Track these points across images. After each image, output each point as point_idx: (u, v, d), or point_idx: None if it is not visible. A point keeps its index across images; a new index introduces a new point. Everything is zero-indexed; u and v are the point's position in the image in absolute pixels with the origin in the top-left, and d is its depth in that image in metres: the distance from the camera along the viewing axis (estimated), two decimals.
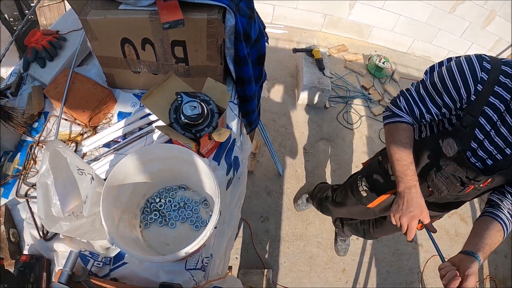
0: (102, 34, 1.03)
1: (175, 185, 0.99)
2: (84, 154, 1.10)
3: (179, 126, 0.92)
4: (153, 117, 1.14)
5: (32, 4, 3.30)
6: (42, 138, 1.14)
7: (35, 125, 1.19)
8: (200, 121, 0.92)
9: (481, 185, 1.11)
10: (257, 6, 1.27)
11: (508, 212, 1.09)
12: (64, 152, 0.67)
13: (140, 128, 1.14)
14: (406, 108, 1.15)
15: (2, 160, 1.13)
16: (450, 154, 1.10)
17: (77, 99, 1.15)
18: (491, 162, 1.05)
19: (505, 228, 1.07)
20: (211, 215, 0.75)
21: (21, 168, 1.10)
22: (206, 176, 0.81)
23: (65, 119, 1.17)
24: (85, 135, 1.14)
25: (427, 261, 2.38)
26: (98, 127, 1.16)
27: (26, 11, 3.43)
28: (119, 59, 1.11)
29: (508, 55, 3.48)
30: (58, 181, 0.70)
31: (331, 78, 2.91)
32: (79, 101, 1.15)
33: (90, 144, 1.08)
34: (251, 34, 1.12)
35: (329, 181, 2.54)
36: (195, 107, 0.91)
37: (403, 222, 1.09)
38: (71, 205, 0.71)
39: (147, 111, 1.15)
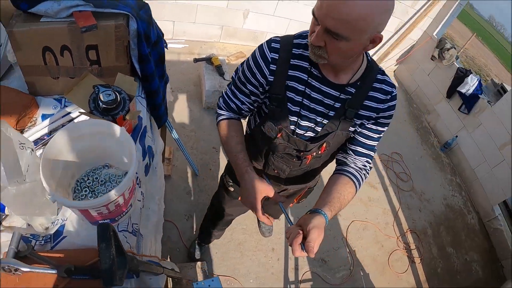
0: (26, 44, 1.19)
1: (99, 165, 1.19)
2: None
3: (98, 112, 1.14)
4: (74, 115, 1.31)
5: None
6: None
7: None
8: (115, 106, 1.15)
9: (319, 153, 1.19)
10: (158, 24, 1.53)
11: (355, 165, 1.19)
12: (7, 130, 0.86)
13: (63, 125, 1.31)
14: (224, 105, 1.27)
15: None
16: (273, 135, 1.17)
17: (2, 106, 1.27)
18: (320, 128, 1.13)
19: (354, 179, 1.15)
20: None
21: None
22: (126, 141, 1.03)
23: None
24: None
25: (348, 227, 2.81)
26: (25, 129, 1.30)
27: None
28: (40, 66, 1.27)
29: (393, 43, 4.21)
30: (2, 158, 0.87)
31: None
32: (4, 107, 1.27)
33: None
34: (151, 36, 1.38)
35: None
36: (110, 94, 1.14)
37: (249, 208, 1.18)
38: (15, 177, 0.89)
39: (68, 110, 1.33)
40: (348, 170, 1.18)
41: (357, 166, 1.19)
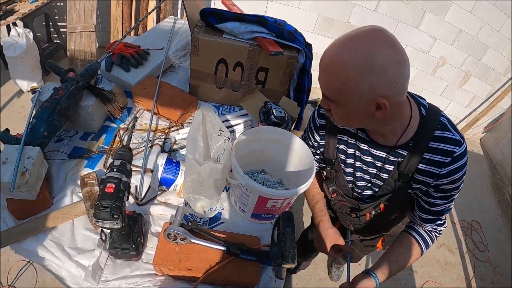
0: (205, 52, 1.46)
1: (257, 169, 1.37)
2: (174, 142, 1.47)
3: (267, 124, 1.35)
4: (232, 122, 1.53)
5: (62, 30, 3.67)
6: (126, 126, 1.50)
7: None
8: (282, 122, 1.35)
9: (379, 210, 1.19)
10: None
11: (423, 228, 1.14)
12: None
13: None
14: None
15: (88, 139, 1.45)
16: (330, 195, 1.24)
17: (167, 100, 1.54)
18: (377, 189, 1.13)
19: (421, 240, 1.12)
20: None
21: (106, 147, 1.43)
22: (305, 154, 1.20)
23: (155, 114, 1.54)
24: (172, 129, 1.52)
25: (422, 286, 2.76)
26: (184, 124, 1.55)
27: (55, 35, 3.81)
28: (209, 74, 1.54)
29: (483, 110, 4.20)
30: (202, 136, 1.09)
31: None
32: (169, 102, 1.54)
33: (184, 134, 1.47)
34: (310, 71, 1.60)
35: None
36: (281, 112, 1.34)
37: (324, 253, 1.23)
38: (207, 156, 1.09)
39: (228, 117, 1.55)
40: (417, 230, 1.14)
41: (426, 229, 1.14)
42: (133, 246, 1.09)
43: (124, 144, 1.32)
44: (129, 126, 1.48)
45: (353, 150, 1.11)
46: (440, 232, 1.14)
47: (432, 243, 1.14)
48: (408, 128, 0.97)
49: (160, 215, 1.27)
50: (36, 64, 3.48)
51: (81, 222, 1.23)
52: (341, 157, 1.15)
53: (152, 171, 1.30)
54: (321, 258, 2.55)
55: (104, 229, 1.11)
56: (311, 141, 1.22)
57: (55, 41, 3.94)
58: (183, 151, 1.43)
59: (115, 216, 0.89)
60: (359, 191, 1.18)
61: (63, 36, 3.80)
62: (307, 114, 3.36)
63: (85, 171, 1.35)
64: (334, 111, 0.95)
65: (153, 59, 1.75)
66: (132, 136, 1.46)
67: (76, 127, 1.47)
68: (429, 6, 3.38)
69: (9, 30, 3.28)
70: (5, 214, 1.23)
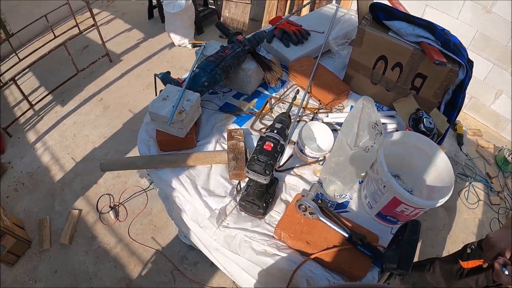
0: (368, 44, 1.49)
1: (392, 172, 1.36)
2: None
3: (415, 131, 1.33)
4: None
5: None
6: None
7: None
8: (431, 133, 1.31)
9: None
10: None
11: None
12: (372, 108, 1.10)
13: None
14: None
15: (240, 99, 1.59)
16: None
17: (321, 82, 1.62)
18: None
19: None
20: None
21: (256, 110, 1.55)
22: (445, 168, 1.18)
23: (308, 92, 1.63)
24: (320, 110, 1.60)
25: None
26: (333, 109, 1.61)
27: (211, 0, 4.18)
28: (367, 67, 1.57)
29: None
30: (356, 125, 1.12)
31: (465, 155, 3.16)
32: (323, 84, 1.61)
33: (332, 118, 1.53)
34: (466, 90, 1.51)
35: (435, 243, 2.74)
36: (431, 123, 1.31)
37: (489, 239, 1.23)
38: (356, 143, 1.12)
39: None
40: None
41: None
42: (264, 204, 1.20)
43: (284, 111, 1.43)
44: (283, 97, 1.59)
45: None
46: None
47: None
48: None
49: (293, 185, 1.37)
50: (191, 23, 3.93)
51: (218, 170, 1.38)
52: None
53: (295, 143, 1.38)
54: None
55: (241, 182, 1.23)
56: None
57: (210, 6, 4.31)
58: None
59: (267, 172, 1.00)
60: None
61: (219, 2, 4.15)
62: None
63: (232, 126, 1.50)
64: None
65: (312, 41, 1.85)
66: (283, 106, 1.59)
67: (232, 85, 1.64)
68: None
69: None
70: (151, 142, 1.43)
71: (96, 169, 2.78)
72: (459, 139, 3.18)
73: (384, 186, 1.12)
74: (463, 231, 2.88)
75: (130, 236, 2.43)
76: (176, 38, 4.00)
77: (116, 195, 2.68)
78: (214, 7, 4.32)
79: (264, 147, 1.01)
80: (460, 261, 1.64)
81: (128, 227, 2.48)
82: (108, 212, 2.54)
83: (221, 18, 3.97)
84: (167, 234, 2.46)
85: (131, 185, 2.73)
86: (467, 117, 3.86)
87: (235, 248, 1.22)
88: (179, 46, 4.09)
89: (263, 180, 1.02)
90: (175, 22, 3.78)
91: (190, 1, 3.65)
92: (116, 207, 2.59)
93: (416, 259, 2.54)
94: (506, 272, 1.10)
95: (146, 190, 2.69)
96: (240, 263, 1.29)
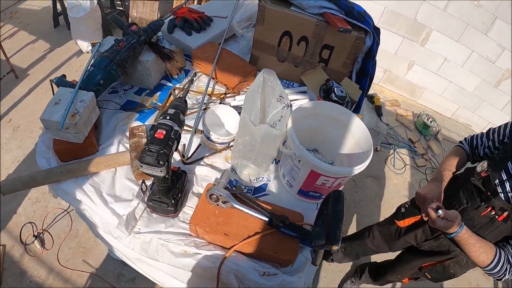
0: (271, 22, 1.43)
1: (309, 147, 1.32)
2: None
3: None
4: (291, 98, 1.48)
5: None
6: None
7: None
8: (344, 102, 1.28)
9: (496, 217, 1.23)
10: None
11: (506, 254, 1.22)
12: (274, 80, 1.03)
13: None
14: (468, 140, 1.49)
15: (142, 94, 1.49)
16: (478, 170, 1.31)
17: (225, 66, 1.53)
18: None
19: (498, 256, 1.20)
20: None
21: (159, 104, 1.44)
22: (362, 136, 1.15)
23: (213, 78, 1.54)
24: (228, 95, 1.51)
25: None
26: (241, 92, 1.53)
27: (118, 2, 3.94)
28: (272, 46, 1.51)
29: None
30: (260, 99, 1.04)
31: (386, 125, 3.28)
32: (228, 68, 1.53)
33: (240, 101, 1.44)
34: (375, 57, 1.51)
35: (370, 212, 2.83)
36: (342, 91, 1.28)
37: (419, 195, 1.34)
38: (263, 121, 1.04)
39: (286, 92, 1.49)
40: (502, 248, 1.22)
41: (509, 257, 1.20)
42: (172, 201, 1.09)
43: (180, 96, 1.32)
44: (186, 85, 1.47)
45: None
46: None
47: (501, 267, 1.19)
48: None
49: (204, 176, 1.27)
50: (98, 27, 3.65)
51: (123, 172, 1.26)
52: None
53: (202, 132, 1.28)
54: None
55: (145, 181, 1.11)
56: (500, 135, 1.33)
57: (118, 7, 4.07)
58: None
59: (160, 162, 0.89)
60: (499, 190, 1.21)
61: (127, 3, 3.93)
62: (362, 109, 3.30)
63: (135, 123, 1.38)
64: None
65: (216, 26, 1.76)
66: (188, 96, 1.47)
67: (133, 81, 1.51)
68: (501, 12, 3.12)
69: None
70: (50, 154, 1.28)
71: (13, 197, 2.52)
72: (378, 110, 3.32)
73: (299, 161, 1.05)
74: (395, 196, 3.01)
75: (60, 264, 2.23)
76: (83, 45, 3.71)
77: (38, 222, 2.43)
78: (121, 8, 4.06)
79: (156, 135, 0.89)
80: (396, 221, 1.70)
81: (56, 254, 2.27)
82: (33, 242, 2.29)
83: (129, 19, 3.75)
84: (98, 254, 2.30)
85: (52, 208, 2.49)
86: (383, 89, 4.04)
87: (152, 254, 1.11)
88: (88, 52, 3.81)
89: (159, 172, 0.91)
90: (80, 27, 3.50)
91: (96, 3, 3.39)
92: (41, 235, 2.34)
93: (354, 230, 2.60)
94: (439, 212, 1.16)
95: (68, 210, 2.47)
96: (165, 269, 1.19)
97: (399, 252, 1.90)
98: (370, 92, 3.66)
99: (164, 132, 0.90)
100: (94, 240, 2.35)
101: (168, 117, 0.95)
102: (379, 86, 4.02)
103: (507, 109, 3.76)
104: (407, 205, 1.73)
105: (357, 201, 2.86)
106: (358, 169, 1.02)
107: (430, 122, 3.62)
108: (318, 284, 2.36)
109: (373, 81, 1.55)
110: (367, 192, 2.96)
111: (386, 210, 2.85)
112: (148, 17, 3.66)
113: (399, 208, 1.79)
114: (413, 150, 3.43)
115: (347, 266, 2.50)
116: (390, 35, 3.57)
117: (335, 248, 0.90)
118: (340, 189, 1.13)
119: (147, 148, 0.88)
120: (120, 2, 4.02)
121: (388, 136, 3.47)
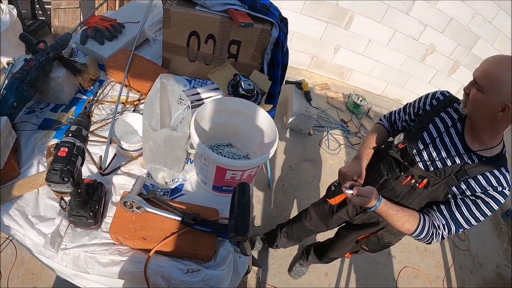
0: (177, 24, 1.43)
1: (223, 142, 1.35)
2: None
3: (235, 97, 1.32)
4: (203, 95, 1.51)
5: (47, 6, 3.60)
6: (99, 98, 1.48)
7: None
8: (251, 95, 1.31)
9: (416, 184, 1.31)
10: None
11: (431, 220, 1.29)
12: (173, 84, 1.04)
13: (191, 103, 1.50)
14: (387, 116, 1.59)
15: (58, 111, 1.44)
16: (396, 142, 1.38)
17: (138, 72, 1.52)
18: (432, 169, 1.27)
19: (423, 222, 1.27)
20: None
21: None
22: (269, 127, 1.19)
23: (126, 86, 1.52)
24: (142, 101, 1.50)
25: (400, 271, 2.77)
26: None
27: (40, 11, 3.72)
28: (182, 47, 1.51)
29: None
30: (160, 104, 1.05)
31: (316, 109, 3.40)
32: (140, 74, 1.52)
33: None
34: (284, 46, 1.57)
35: (309, 195, 2.94)
36: (250, 84, 1.32)
37: (340, 173, 1.44)
38: (164, 124, 1.05)
39: (199, 90, 1.52)
40: (426, 214, 1.30)
41: (434, 222, 1.28)
42: (91, 214, 1.09)
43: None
44: (94, 98, 1.44)
45: (443, 129, 1.27)
46: (438, 237, 1.27)
47: (427, 234, 1.27)
48: (493, 149, 1.18)
49: (122, 185, 1.27)
50: (20, 41, 3.40)
51: (45, 191, 1.23)
52: (430, 127, 1.30)
53: None
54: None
55: (64, 197, 1.10)
56: (415, 109, 1.41)
57: (39, 18, 3.85)
58: None
59: (65, 179, 0.89)
60: (417, 159, 1.30)
61: (48, 12, 3.72)
62: (290, 94, 3.39)
63: (53, 141, 1.35)
64: (472, 96, 1.14)
65: (128, 33, 1.72)
66: (102, 107, 1.45)
67: (47, 98, 1.46)
68: None
69: None
70: None
71: None
72: (307, 96, 3.44)
73: (204, 159, 1.08)
74: (332, 177, 3.14)
75: None
76: (5, 61, 3.46)
77: None
78: (44, 18, 3.82)
79: (58, 154, 0.90)
80: (328, 200, 1.75)
81: (7, 286, 2.12)
82: None
83: (52, 29, 3.55)
84: (48, 278, 2.18)
85: None
86: (313, 75, 4.18)
87: (83, 267, 1.12)
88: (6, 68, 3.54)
89: (66, 189, 0.91)
90: (1, 43, 3.25)
91: (16, 16, 3.15)
92: None
93: (295, 214, 2.69)
94: (350, 192, 1.24)
95: (10, 238, 2.31)
96: (99, 281, 1.17)
97: (336, 229, 1.99)
98: (299, 78, 3.78)
99: (66, 150, 0.91)
100: (40, 264, 2.22)
101: (70, 134, 0.95)
102: (309, 72, 4.15)
103: (434, 81, 4.06)
104: (336, 184, 1.81)
105: (295, 186, 2.96)
106: (260, 161, 1.07)
107: (360, 101, 3.80)
108: (268, 272, 2.42)
109: (302, 67, 1.59)
110: (304, 176, 3.06)
111: (324, 191, 2.97)
112: (71, 25, 3.48)
113: (329, 187, 1.87)
114: (346, 130, 3.60)
115: (293, 250, 2.60)
116: (314, 22, 3.66)
117: (243, 239, 0.94)
118: (253, 180, 1.18)
119: (51, 167, 0.88)
120: (41, 12, 3.79)
121: (320, 119, 3.60)
